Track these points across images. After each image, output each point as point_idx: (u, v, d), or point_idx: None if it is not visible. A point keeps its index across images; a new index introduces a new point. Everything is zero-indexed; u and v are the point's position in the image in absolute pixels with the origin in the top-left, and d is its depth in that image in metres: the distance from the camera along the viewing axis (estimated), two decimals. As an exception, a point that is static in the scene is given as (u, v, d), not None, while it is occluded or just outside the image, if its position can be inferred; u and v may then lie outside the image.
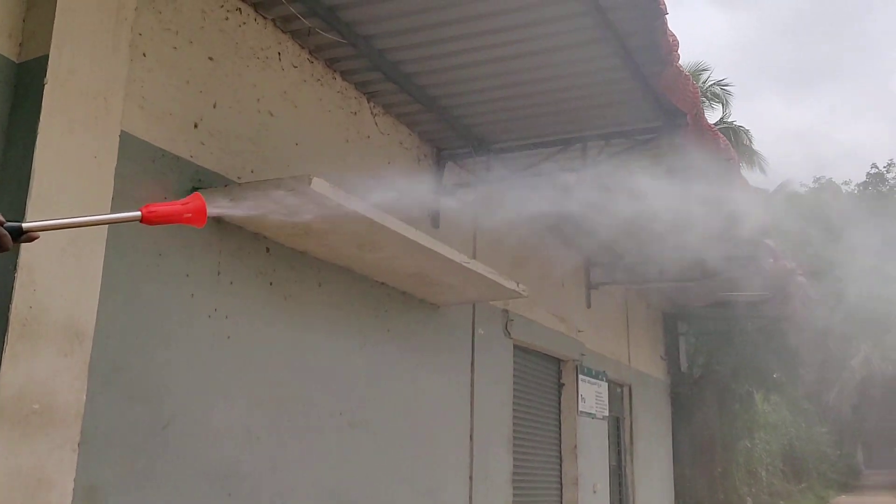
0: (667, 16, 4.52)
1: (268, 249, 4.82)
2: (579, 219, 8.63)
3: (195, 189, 4.29)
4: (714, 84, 19.80)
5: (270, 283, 4.83)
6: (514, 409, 7.80)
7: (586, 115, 6.11)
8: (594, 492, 9.54)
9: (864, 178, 44.14)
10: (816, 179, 37.86)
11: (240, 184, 4.45)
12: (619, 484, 10.81)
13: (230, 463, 4.40)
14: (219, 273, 4.45)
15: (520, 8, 4.90)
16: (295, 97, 5.19)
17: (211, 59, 4.56)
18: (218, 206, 4.12)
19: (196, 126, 4.41)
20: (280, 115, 5.04)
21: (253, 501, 4.52)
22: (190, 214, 1.78)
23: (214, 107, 4.55)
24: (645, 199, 7.85)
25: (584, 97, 5.89)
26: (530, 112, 6.21)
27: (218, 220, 4.45)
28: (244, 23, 4.84)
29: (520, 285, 6.28)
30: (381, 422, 5.77)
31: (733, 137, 18.81)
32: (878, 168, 44.24)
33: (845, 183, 41.01)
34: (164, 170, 4.16)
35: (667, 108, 5.77)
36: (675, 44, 4.78)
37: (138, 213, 1.72)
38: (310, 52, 5.36)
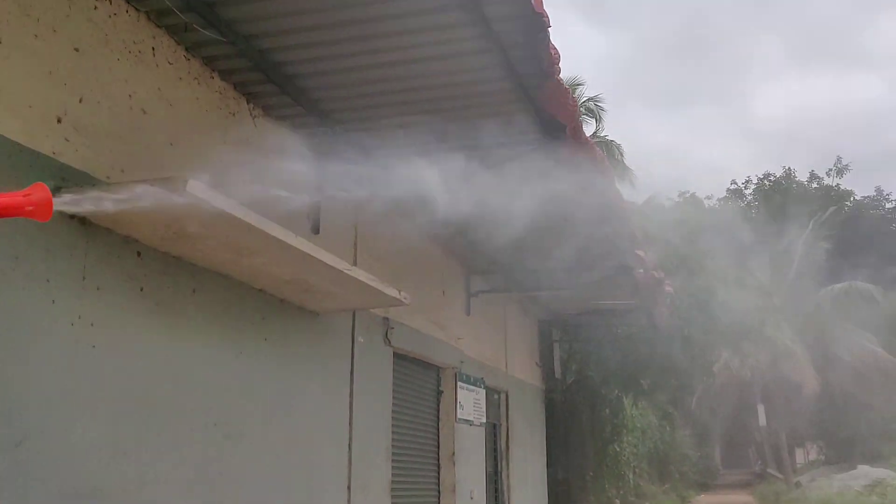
0: (549, 29, 4.61)
1: (139, 254, 4.57)
2: (460, 227, 8.72)
3: (59, 189, 4.02)
4: (588, 99, 20.51)
5: (141, 289, 4.58)
6: (393, 418, 7.75)
7: (469, 125, 6.15)
8: (471, 498, 9.61)
9: (724, 194, 46.89)
10: (681, 194, 39.96)
11: (108, 183, 4.20)
12: (496, 490, 10.95)
13: (93, 481, 4.13)
14: (84, 278, 4.18)
15: (404, 14, 4.88)
16: (170, 95, 4.96)
17: (77, 49, 4.29)
18: (78, 205, 3.88)
19: (60, 121, 4.13)
20: (154, 112, 4.80)
21: (117, 521, 4.26)
22: (31, 207, 1.60)
23: (81, 101, 4.28)
24: (524, 210, 8.01)
25: (466, 107, 5.94)
26: (414, 120, 6.19)
27: (83, 222, 4.19)
28: (115, 14, 4.58)
29: (401, 293, 6.25)
30: (258, 433, 5.58)
31: (606, 151, 19.53)
32: (737, 184, 47.14)
33: (707, 197, 43.39)
34: (22, 166, 3.86)
35: (546, 121, 5.89)
36: (557, 57, 4.88)
37: None
38: (186, 49, 5.15)
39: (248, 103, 5.79)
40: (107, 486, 4.21)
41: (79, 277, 4.16)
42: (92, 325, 4.21)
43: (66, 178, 4.11)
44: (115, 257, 4.41)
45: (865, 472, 22.65)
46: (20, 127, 3.86)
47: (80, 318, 4.14)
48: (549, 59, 4.88)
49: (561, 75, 5.10)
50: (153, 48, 4.86)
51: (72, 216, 4.13)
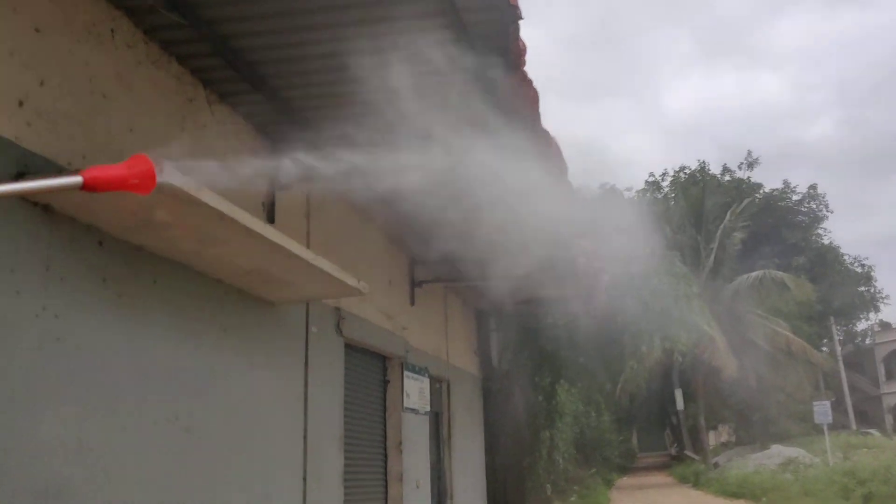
0: (521, 20, 4.66)
1: (100, 243, 4.42)
2: (404, 216, 8.72)
3: (21, 175, 3.85)
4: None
5: (104, 280, 4.43)
6: (344, 408, 7.72)
7: (429, 114, 6.15)
8: (417, 487, 9.65)
9: (642, 185, 48.19)
10: (601, 186, 40.88)
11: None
12: (439, 478, 11.03)
13: (60, 478, 3.99)
14: (48, 268, 4.02)
15: (372, 3, 4.85)
16: (130, 80, 4.81)
17: (38, 30, 4.11)
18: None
19: (21, 104, 3.96)
20: (114, 97, 4.64)
21: (84, 518, 4.13)
22: (136, 180, 1.56)
23: (42, 84, 4.11)
24: (472, 195, 8.07)
25: (428, 95, 5.93)
26: (372, 109, 6.15)
27: (46, 209, 4.03)
28: (74, -6, 4.41)
29: (360, 282, 6.23)
30: (217, 426, 5.48)
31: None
32: (654, 176, 48.50)
33: (627, 189, 44.50)
34: (-14, 152, 3.69)
35: (507, 112, 5.94)
36: (524, 50, 4.94)
37: (78, 178, 1.48)
38: (145, 32, 4.98)
39: (204, 89, 5.66)
40: (73, 482, 4.08)
41: (42, 267, 4.01)
42: (56, 316, 4.06)
43: (29, 164, 3.95)
44: (77, 246, 4.26)
45: (779, 452, 23.74)
46: (-17, 110, 3.69)
47: (44, 309, 3.99)
48: (516, 52, 4.93)
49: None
50: (112, 30, 4.69)
51: (35, 203, 3.97)
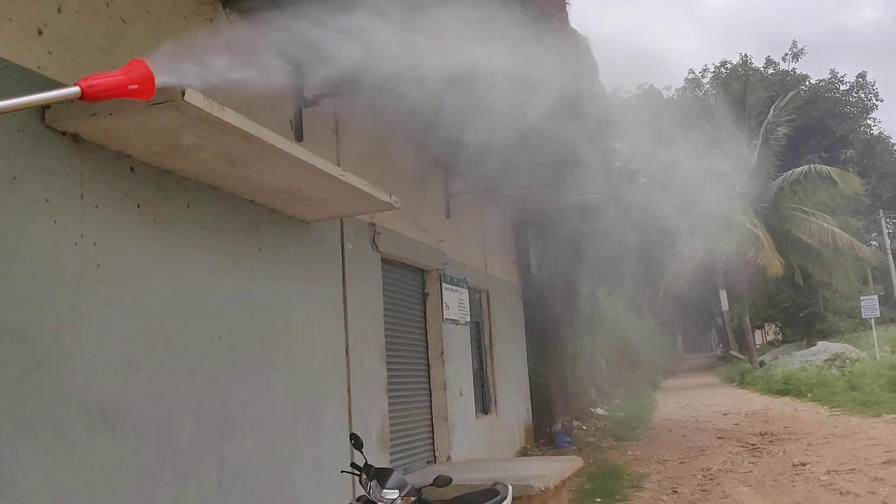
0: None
1: (132, 169, 4.47)
2: (438, 126, 8.62)
3: (47, 106, 3.87)
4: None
5: (138, 206, 4.49)
6: (385, 321, 7.85)
7: (455, 13, 5.99)
8: (461, 395, 9.88)
9: (682, 84, 46.86)
10: (640, 86, 39.86)
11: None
12: (482, 386, 11.26)
13: (111, 398, 4.16)
14: (82, 197, 4.09)
15: None
16: (147, 2, 4.75)
17: (50, -44, 4.06)
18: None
19: (41, 33, 3.95)
20: (132, 21, 4.60)
21: (138, 435, 4.31)
22: (135, 86, 1.53)
23: (59, 11, 4.08)
24: (502, 98, 7.92)
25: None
26: (396, 8, 6.01)
27: (76, 139, 4.06)
28: (83, -84, 4.32)
29: (392, 197, 6.22)
30: (260, 343, 5.63)
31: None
32: (694, 73, 47.08)
33: (666, 88, 43.34)
34: (9, 83, 3.70)
35: (532, 8, 5.77)
36: (547, -55, 4.74)
37: (76, 88, 1.48)
38: (158, -48, 4.90)
39: (223, 7, 5.57)
40: (125, 401, 4.24)
41: (76, 196, 4.07)
42: (94, 244, 4.14)
43: (53, 93, 3.95)
44: (109, 174, 4.31)
45: (825, 348, 23.69)
46: (2, 41, 3.68)
47: (82, 237, 4.07)
48: (539, -53, 4.74)
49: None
50: (125, -49, 4.61)
51: (63, 133, 4.01)
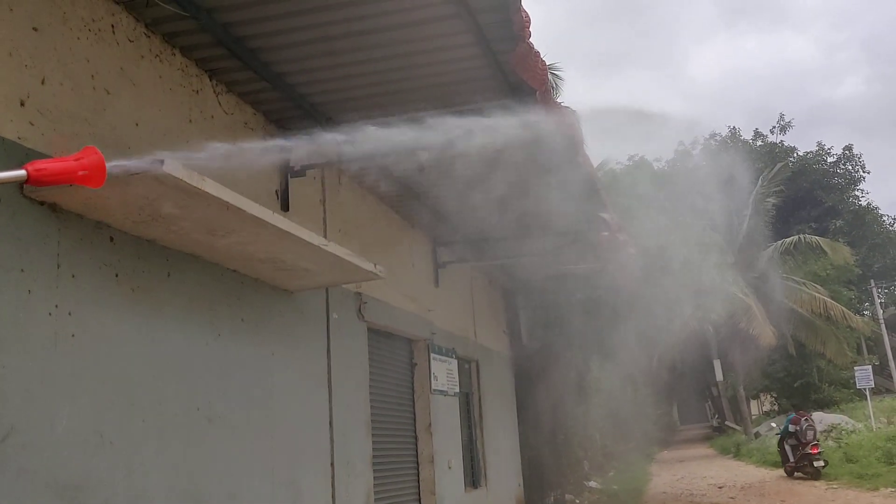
0: (521, -9, 4.56)
1: (112, 238, 4.45)
2: (426, 197, 8.68)
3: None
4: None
5: (116, 275, 4.46)
6: (370, 392, 7.74)
7: (436, 93, 6.09)
8: (449, 468, 9.68)
9: (672, 155, 47.56)
10: (630, 157, 40.39)
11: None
12: (472, 458, 11.04)
13: (80, 472, 4.04)
14: (59, 266, 4.05)
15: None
16: (133, 74, 4.80)
17: (36, 29, 4.11)
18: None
19: (23, 104, 3.97)
20: (117, 92, 4.65)
21: (108, 511, 4.18)
22: (85, 172, 1.53)
23: (43, 83, 4.11)
24: (491, 175, 7.99)
25: (434, 74, 5.87)
26: (380, 90, 6.11)
27: (54, 208, 4.05)
28: (71, -9, 4.40)
29: (377, 266, 6.20)
30: (239, 415, 5.52)
31: (559, 118, 19.51)
32: (684, 145, 47.84)
33: (657, 160, 43.94)
34: (-11, 153, 3.71)
35: (515, 86, 5.86)
36: (528, 20, 4.85)
37: (22, 171, 1.47)
38: (146, 26, 4.98)
39: (210, 80, 5.65)
40: (94, 476, 4.12)
41: (53, 266, 4.03)
42: (70, 314, 4.09)
43: (33, 163, 3.96)
44: (88, 244, 4.28)
45: (820, 419, 23.37)
46: (-17, 112, 3.70)
47: (57, 307, 4.02)
48: (520, 22, 4.84)
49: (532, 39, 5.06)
50: (112, 25, 4.69)
51: (41, 202, 4.00)
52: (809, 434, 17.54)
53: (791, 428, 18.20)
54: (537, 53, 5.23)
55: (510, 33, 5.03)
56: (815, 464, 17.09)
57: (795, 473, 17.85)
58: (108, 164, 3.87)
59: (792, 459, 18.08)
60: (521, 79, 5.53)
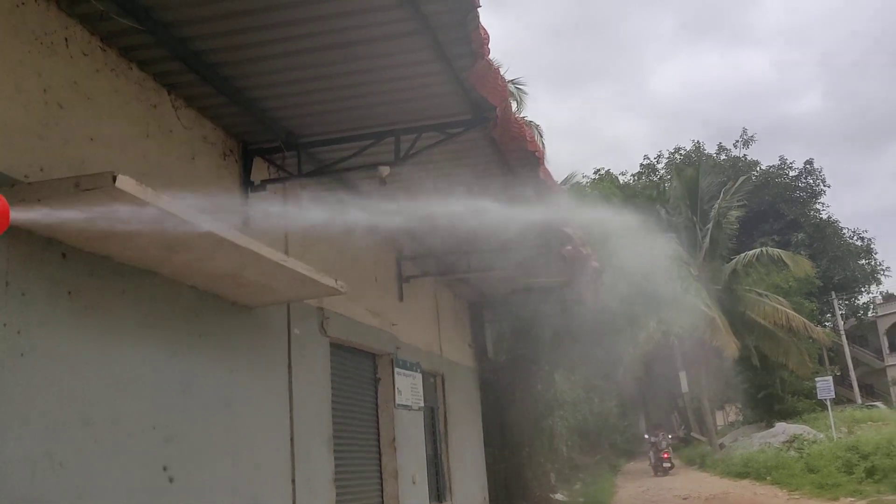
0: (479, 9, 4.59)
1: (64, 255, 4.37)
2: (390, 214, 8.67)
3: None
4: (509, 82, 20.59)
5: (69, 293, 4.38)
6: (333, 407, 7.67)
7: (398, 108, 6.10)
8: (413, 483, 9.62)
9: (638, 169, 48.08)
10: (596, 171, 40.80)
11: (30, 183, 3.99)
12: (437, 473, 10.99)
13: (30, 496, 3.95)
14: (7, 283, 3.97)
15: (329, -1, 4.79)
16: (87, 88, 4.74)
17: (-15, 43, 4.05)
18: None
19: (-28, 119, 3.90)
20: (71, 107, 4.58)
21: (58, 535, 4.09)
22: None
23: (-7, 97, 4.05)
24: (452, 193, 8.00)
25: (396, 90, 5.88)
26: (341, 105, 6.11)
27: (3, 225, 3.96)
28: (22, 3, 4.34)
29: (338, 282, 6.17)
30: (198, 433, 5.44)
31: (525, 132, 19.64)
32: (649, 159, 48.40)
33: (622, 173, 44.40)
34: (-65, 169, 3.64)
35: (476, 102, 5.89)
36: (487, 38, 4.87)
37: None
38: (101, 40, 4.92)
39: (169, 94, 5.59)
40: (44, 498, 4.03)
41: (1, 283, 3.95)
42: (18, 332, 4.01)
43: (-18, 178, 3.89)
44: (37, 260, 4.21)
45: (783, 429, 23.68)
46: (-71, 126, 3.63)
47: (4, 325, 3.94)
48: (478, 40, 4.86)
49: (490, 56, 5.09)
50: (66, 38, 4.63)
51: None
52: (663, 444, 25.83)
53: (652, 439, 26.50)
54: (496, 70, 5.27)
55: (469, 50, 5.05)
56: (665, 465, 25.24)
57: (657, 472, 25.13)
58: (60, 180, 3.83)
59: (653, 461, 25.79)
60: (482, 95, 5.55)
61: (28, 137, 4.24)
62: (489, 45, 4.97)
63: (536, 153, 6.47)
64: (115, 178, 3.70)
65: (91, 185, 3.71)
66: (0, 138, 4.05)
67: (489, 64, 5.14)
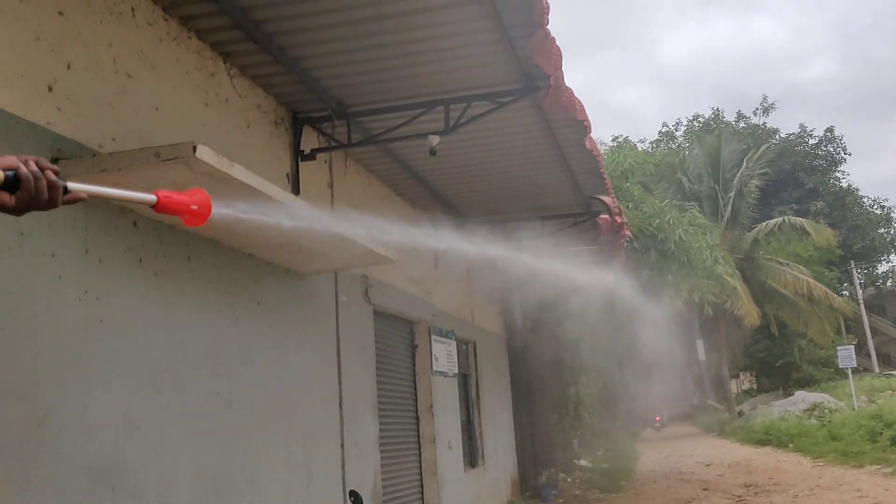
0: (543, -22, 4.58)
1: (135, 224, 4.45)
2: (431, 180, 8.72)
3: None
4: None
5: (140, 260, 4.47)
6: (377, 374, 7.79)
7: (449, 78, 6.10)
8: (449, 448, 9.78)
9: (656, 136, 47.71)
10: (615, 139, 40.55)
11: (110, 154, 4.06)
12: (469, 438, 11.15)
13: (112, 455, 4.07)
14: (87, 251, 4.06)
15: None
16: (152, 58, 4.78)
17: (61, 13, 4.09)
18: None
19: (51, 89, 3.96)
20: (138, 77, 4.63)
21: (137, 493, 4.22)
22: (196, 206, 1.62)
23: (69, 68, 4.10)
24: (498, 159, 8.02)
25: (448, 59, 5.86)
26: (392, 74, 6.10)
27: (82, 194, 4.04)
28: (93, -26, 4.37)
29: (389, 250, 6.24)
30: (256, 398, 5.56)
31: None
32: (668, 126, 47.98)
33: (641, 141, 44.08)
34: (21, 139, 3.70)
35: (528, 71, 5.89)
36: (547, 7, 4.87)
37: (153, 196, 1.56)
38: (163, 9, 4.94)
39: (224, 63, 5.62)
40: (125, 459, 4.16)
41: (81, 251, 4.04)
42: (98, 299, 4.10)
43: (62, 148, 3.96)
44: (113, 228, 4.29)
45: (803, 398, 23.79)
46: (15, 98, 3.69)
47: (86, 292, 4.03)
48: (539, 9, 4.86)
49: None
50: (133, 8, 4.66)
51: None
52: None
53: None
54: (553, 40, 5.26)
55: (529, 19, 5.04)
56: (656, 426, 33.07)
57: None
58: (141, 150, 3.89)
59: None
60: (536, 64, 5.55)
61: (101, 108, 4.29)
62: (549, 14, 4.96)
63: (585, 122, 6.47)
64: (195, 148, 3.76)
65: (171, 154, 3.77)
66: (77, 109, 4.10)
67: (547, 33, 5.14)
